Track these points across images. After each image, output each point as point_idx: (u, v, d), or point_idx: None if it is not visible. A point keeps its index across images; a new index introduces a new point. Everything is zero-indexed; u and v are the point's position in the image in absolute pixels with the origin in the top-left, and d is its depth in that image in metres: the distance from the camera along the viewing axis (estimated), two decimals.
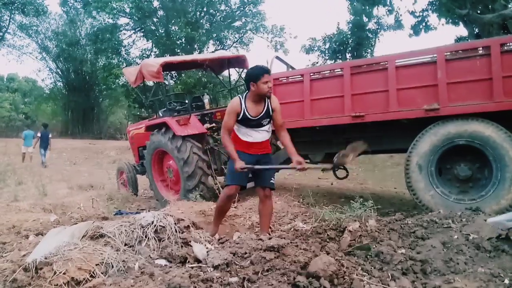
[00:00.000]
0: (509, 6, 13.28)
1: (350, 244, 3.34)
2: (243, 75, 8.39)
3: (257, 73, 3.59)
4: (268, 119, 3.77)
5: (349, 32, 22.38)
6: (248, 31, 24.45)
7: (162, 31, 23.31)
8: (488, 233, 3.56)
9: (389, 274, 2.46)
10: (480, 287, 2.46)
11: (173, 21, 22.36)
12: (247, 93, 3.72)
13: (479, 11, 13.74)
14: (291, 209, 5.54)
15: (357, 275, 2.30)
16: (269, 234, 4.11)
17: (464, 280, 2.68)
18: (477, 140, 4.55)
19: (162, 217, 2.75)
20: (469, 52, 4.75)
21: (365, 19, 22.20)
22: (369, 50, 22.86)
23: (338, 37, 22.28)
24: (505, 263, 2.99)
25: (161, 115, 7.22)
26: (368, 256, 3.05)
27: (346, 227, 3.76)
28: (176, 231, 2.72)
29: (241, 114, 3.65)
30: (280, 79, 6.03)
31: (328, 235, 3.85)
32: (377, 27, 22.77)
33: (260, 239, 2.65)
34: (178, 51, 22.39)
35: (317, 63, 23.24)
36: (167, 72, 20.48)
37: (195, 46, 22.40)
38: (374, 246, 3.27)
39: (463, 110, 4.60)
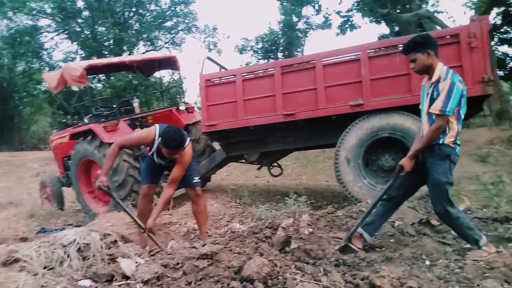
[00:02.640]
0: (423, 6, 14.38)
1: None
2: (175, 77, 8.27)
3: (165, 144, 3.52)
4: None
5: (280, 32, 22.85)
6: (180, 31, 23.94)
7: (88, 33, 22.03)
8: (411, 219, 3.81)
9: (321, 270, 2.51)
10: (405, 271, 2.59)
11: (99, 21, 21.25)
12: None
13: (398, 11, 14.70)
14: (228, 210, 5.53)
15: (290, 274, 2.31)
16: (207, 236, 4.08)
17: (391, 267, 2.81)
18: (399, 132, 4.84)
19: (86, 234, 2.56)
20: (389, 50, 5.03)
21: (294, 19, 22.79)
22: (300, 49, 23.52)
23: (270, 37, 22.64)
24: (427, 246, 3.20)
25: (87, 121, 6.79)
26: (301, 252, 3.09)
27: (280, 224, 3.81)
28: (102, 248, 2.54)
29: (150, 154, 3.84)
30: (213, 80, 5.96)
31: (264, 234, 3.87)
32: (307, 26, 23.49)
33: (194, 247, 2.57)
34: (106, 53, 21.32)
35: (250, 62, 23.48)
36: (94, 76, 19.57)
37: (125, 47, 21.48)
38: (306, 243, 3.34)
39: (385, 104, 4.87)
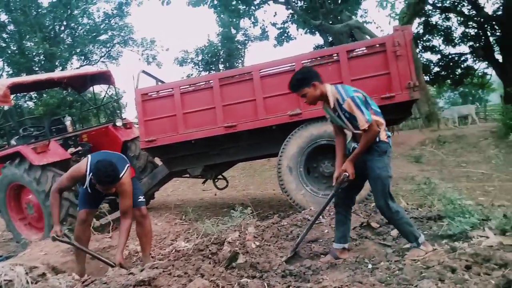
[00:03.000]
0: (353, 17, 15.15)
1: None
2: (111, 92, 7.91)
3: (96, 180, 3.27)
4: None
5: (220, 44, 22.95)
6: (116, 45, 23.23)
7: (15, 48, 20.65)
8: (352, 223, 3.88)
9: (265, 284, 2.48)
10: (349, 277, 2.63)
11: (27, 36, 19.99)
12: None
13: (331, 22, 15.36)
14: (173, 228, 5.35)
15: None
16: (151, 258, 3.89)
17: (336, 273, 2.85)
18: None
19: (9, 269, 2.32)
20: (322, 60, 5.20)
21: (233, 31, 23.05)
22: (240, 61, 23.77)
23: (210, 48, 22.67)
24: (369, 249, 3.30)
25: (14, 143, 6.29)
26: (247, 267, 3.05)
27: (225, 239, 3.74)
28: (28, 282, 2.32)
29: (83, 187, 3.60)
30: (150, 94, 5.78)
31: (210, 250, 3.78)
32: (245, 38, 23.84)
33: (131, 273, 2.42)
34: (37, 69, 20.10)
35: (191, 75, 23.29)
36: (24, 94, 18.28)
37: (57, 63, 20.39)
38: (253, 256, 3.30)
39: (321, 112, 4.96)
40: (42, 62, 20.56)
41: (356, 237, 3.62)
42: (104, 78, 7.01)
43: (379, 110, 3.03)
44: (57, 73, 7.58)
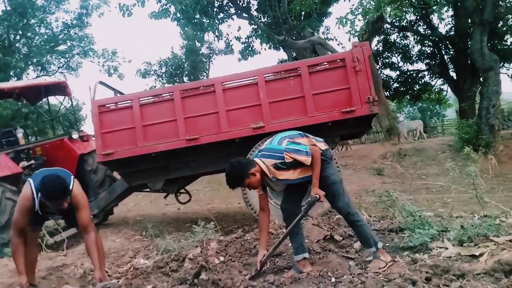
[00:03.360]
0: (315, 34, 15.53)
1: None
2: (66, 103, 7.62)
3: (47, 196, 2.97)
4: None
5: (184, 56, 22.81)
6: (75, 55, 22.49)
7: None
8: (316, 236, 3.89)
9: None
10: None
11: None
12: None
13: (293, 38, 15.64)
14: (131, 245, 5.12)
15: None
16: (104, 276, 3.65)
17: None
18: None
19: None
20: (284, 74, 5.23)
21: (197, 44, 22.99)
22: (205, 73, 23.70)
23: (173, 61, 22.48)
24: (332, 262, 3.27)
25: None
26: (209, 284, 2.94)
27: (187, 255, 3.61)
28: None
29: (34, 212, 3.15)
30: (107, 105, 5.58)
31: (170, 267, 3.64)
32: (210, 51, 23.84)
33: None
34: None
35: (155, 87, 22.90)
36: None
37: (11, 73, 19.43)
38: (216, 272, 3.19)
39: (284, 126, 4.99)
40: None
41: (320, 250, 3.59)
42: (60, 89, 6.73)
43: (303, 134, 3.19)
44: (8, 83, 7.20)
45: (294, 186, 3.17)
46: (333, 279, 2.88)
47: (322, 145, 3.13)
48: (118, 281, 2.93)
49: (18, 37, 20.86)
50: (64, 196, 3.01)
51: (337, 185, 3.08)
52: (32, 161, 6.16)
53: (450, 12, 16.52)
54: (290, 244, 3.81)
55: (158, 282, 3.03)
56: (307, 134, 3.22)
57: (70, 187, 3.11)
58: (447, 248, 3.09)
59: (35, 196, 3.07)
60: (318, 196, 2.95)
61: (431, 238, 3.25)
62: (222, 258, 3.59)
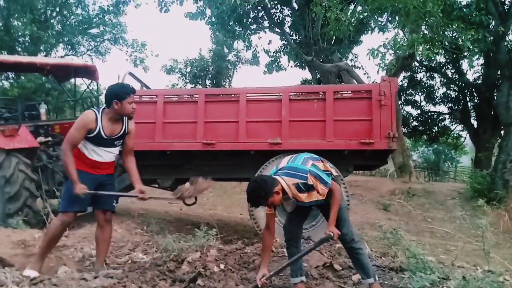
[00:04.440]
0: (343, 60, 15.61)
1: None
2: (93, 87, 7.74)
3: (124, 92, 3.25)
4: (122, 140, 3.47)
5: (210, 60, 23.07)
6: (105, 41, 22.89)
7: (0, 24, 20.03)
8: (315, 261, 3.87)
9: None
10: None
11: (16, 15, 19.45)
12: (104, 108, 3.34)
13: (321, 60, 15.75)
14: (132, 237, 5.16)
15: None
16: (104, 265, 3.69)
17: None
18: None
19: None
20: (309, 95, 5.28)
21: (226, 50, 23.25)
22: (228, 80, 23.92)
23: (199, 62, 22.74)
24: None
25: None
26: None
27: (185, 258, 3.62)
28: None
29: (95, 132, 3.23)
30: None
31: (167, 267, 3.65)
32: (236, 59, 24.08)
33: (84, 279, 2.29)
34: (20, 50, 19.48)
35: (177, 85, 23.16)
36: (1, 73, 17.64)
37: (42, 47, 19.85)
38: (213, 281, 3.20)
39: (301, 146, 5.02)
40: (27, 44, 19.98)
41: (318, 277, 3.57)
42: (89, 72, 6.84)
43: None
44: (40, 58, 7.40)
45: (302, 208, 3.15)
46: None
47: (333, 171, 3.14)
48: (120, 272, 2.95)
49: (54, 14, 21.34)
50: (135, 91, 3.37)
51: (344, 211, 3.08)
52: (50, 138, 6.26)
53: (481, 61, 16.46)
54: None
55: (155, 279, 3.04)
56: (322, 159, 3.22)
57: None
58: None
59: (98, 116, 3.24)
60: (332, 234, 2.88)
61: (431, 283, 3.21)
62: (221, 266, 3.60)
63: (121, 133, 3.40)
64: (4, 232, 4.52)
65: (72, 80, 7.59)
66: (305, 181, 2.85)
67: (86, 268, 3.73)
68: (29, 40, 19.89)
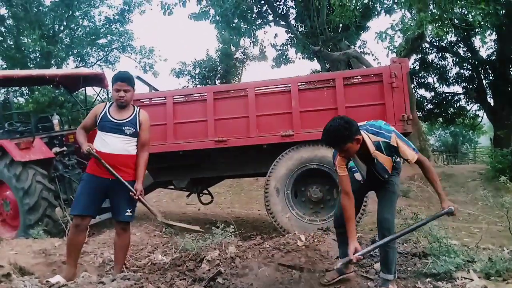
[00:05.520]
0: (352, 47, 15.39)
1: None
2: (103, 96, 7.83)
3: (112, 80, 3.33)
4: (133, 130, 3.34)
5: (218, 59, 23.08)
6: (114, 50, 23.17)
7: (11, 43, 20.47)
8: (336, 252, 3.81)
9: None
10: None
11: (25, 32, 19.84)
12: None
13: (329, 49, 15.57)
14: (151, 240, 5.18)
15: None
16: (123, 270, 3.71)
17: None
18: (326, 164, 4.93)
19: None
20: (318, 84, 5.19)
21: (232, 48, 23.22)
22: (237, 78, 23.88)
23: (208, 63, 22.75)
24: (350, 281, 3.19)
25: None
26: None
27: (205, 256, 3.61)
28: None
29: (101, 114, 3.33)
30: (142, 100, 5.70)
31: (187, 266, 3.64)
32: (244, 56, 24.02)
33: (101, 282, 2.29)
34: (32, 65, 19.88)
35: (187, 87, 23.25)
36: (15, 89, 17.99)
37: (52, 61, 20.22)
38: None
39: (313, 136, 4.95)
40: (38, 59, 20.38)
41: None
42: (97, 80, 6.90)
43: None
44: (49, 71, 7.48)
45: (359, 190, 2.98)
46: None
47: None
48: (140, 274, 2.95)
49: (62, 28, 21.69)
50: (124, 78, 3.30)
51: (395, 197, 2.95)
52: (64, 148, 6.34)
53: (493, 36, 16.01)
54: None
55: (174, 279, 3.03)
56: None
57: (133, 81, 3.42)
58: (472, 280, 2.97)
59: (107, 104, 3.41)
60: (453, 208, 2.72)
61: (456, 267, 3.12)
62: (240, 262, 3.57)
63: (129, 118, 3.34)
64: (25, 242, 4.59)
65: (83, 90, 7.68)
66: (388, 141, 2.66)
67: (107, 273, 3.75)
68: (39, 56, 20.30)
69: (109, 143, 3.29)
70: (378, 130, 2.72)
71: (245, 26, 15.86)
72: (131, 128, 3.32)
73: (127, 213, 3.43)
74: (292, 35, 17.29)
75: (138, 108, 3.47)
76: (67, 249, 3.42)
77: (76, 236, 3.40)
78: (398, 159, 2.94)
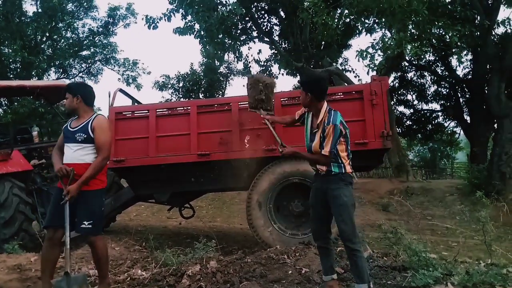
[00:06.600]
0: (334, 64, 15.69)
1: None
2: None
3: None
4: (84, 136, 3.24)
5: (202, 73, 23.14)
6: (97, 62, 22.95)
7: None
8: (317, 266, 3.83)
9: None
10: None
11: (6, 42, 19.52)
12: None
13: (312, 66, 15.81)
14: (130, 255, 5.10)
15: None
16: (110, 284, 3.63)
17: None
18: (308, 178, 4.97)
19: None
20: (298, 100, 5.25)
21: (217, 62, 23.34)
22: (221, 92, 23.96)
23: (191, 76, 22.78)
24: None
25: None
26: None
27: (185, 271, 3.57)
28: None
29: (64, 127, 3.46)
30: (124, 113, 5.67)
31: (167, 281, 3.60)
32: (228, 71, 24.17)
33: None
34: (12, 76, 19.52)
35: (170, 100, 23.15)
36: None
37: (33, 72, 19.89)
38: None
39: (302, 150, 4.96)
40: (18, 70, 20.03)
41: (320, 281, 3.53)
42: None
43: (349, 145, 3.19)
44: (30, 82, 7.37)
45: (318, 205, 3.16)
46: None
47: (348, 168, 3.10)
48: None
49: (44, 39, 21.42)
50: (67, 87, 3.48)
51: (347, 208, 2.98)
52: (44, 160, 6.23)
53: (469, 56, 16.59)
54: (290, 272, 3.78)
55: None
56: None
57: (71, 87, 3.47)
58: None
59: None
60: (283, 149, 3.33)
61: (435, 280, 3.18)
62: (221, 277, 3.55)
63: (82, 125, 3.28)
64: None
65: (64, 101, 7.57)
66: (325, 125, 2.97)
67: None
68: (20, 66, 19.94)
69: (65, 153, 3.32)
70: (332, 113, 3.03)
71: (230, 41, 15.98)
72: (82, 134, 3.25)
73: (83, 225, 3.20)
74: (276, 52, 17.51)
75: (96, 114, 3.40)
76: (41, 264, 3.35)
77: (50, 250, 3.31)
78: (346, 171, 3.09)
